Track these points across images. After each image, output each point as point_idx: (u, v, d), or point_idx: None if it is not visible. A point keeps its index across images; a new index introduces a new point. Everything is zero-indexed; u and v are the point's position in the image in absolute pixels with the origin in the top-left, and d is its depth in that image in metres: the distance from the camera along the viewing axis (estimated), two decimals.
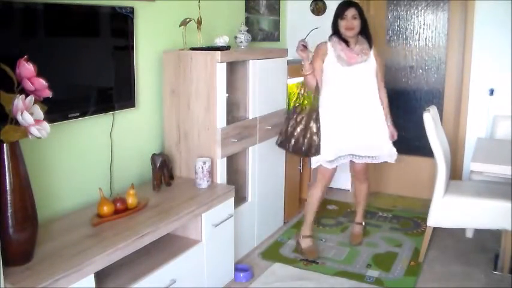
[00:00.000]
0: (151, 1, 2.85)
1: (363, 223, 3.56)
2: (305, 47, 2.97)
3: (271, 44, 4.35)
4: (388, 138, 3.21)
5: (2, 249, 1.69)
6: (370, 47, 3.12)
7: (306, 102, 3.16)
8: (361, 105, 3.11)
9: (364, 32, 3.11)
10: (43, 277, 1.74)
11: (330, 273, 3.04)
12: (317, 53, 3.10)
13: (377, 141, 3.19)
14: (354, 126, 3.11)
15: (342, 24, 3.04)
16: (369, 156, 3.21)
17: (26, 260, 1.85)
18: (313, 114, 3.05)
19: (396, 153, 3.25)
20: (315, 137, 3.04)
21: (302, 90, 3.16)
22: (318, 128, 3.04)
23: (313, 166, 3.21)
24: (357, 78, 3.08)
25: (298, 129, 3.05)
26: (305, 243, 3.30)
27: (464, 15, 4.00)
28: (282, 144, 3.16)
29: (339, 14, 3.05)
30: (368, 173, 3.43)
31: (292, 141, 3.08)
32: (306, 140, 3.04)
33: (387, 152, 3.23)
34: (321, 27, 3.13)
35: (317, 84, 3.07)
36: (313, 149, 3.06)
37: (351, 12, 3.02)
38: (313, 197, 3.28)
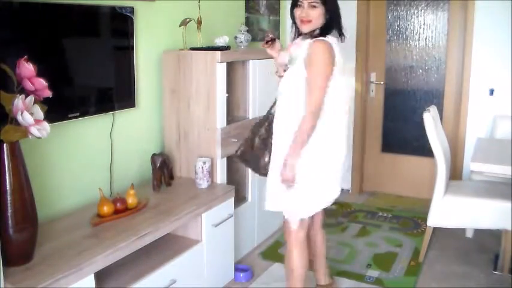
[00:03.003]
0: (151, 1, 2.85)
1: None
2: (273, 40, 2.31)
3: None
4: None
5: (2, 249, 1.69)
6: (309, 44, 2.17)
7: None
8: (278, 125, 2.34)
9: (328, 26, 2.21)
10: (43, 277, 1.74)
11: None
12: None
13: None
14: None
15: (296, 14, 2.21)
16: None
17: (26, 260, 1.85)
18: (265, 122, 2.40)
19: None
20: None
21: None
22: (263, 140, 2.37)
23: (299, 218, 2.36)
24: (282, 85, 2.34)
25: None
26: None
27: (464, 15, 4.00)
28: (242, 156, 2.49)
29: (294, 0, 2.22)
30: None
31: (257, 156, 2.41)
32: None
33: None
34: None
35: None
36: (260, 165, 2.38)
37: None
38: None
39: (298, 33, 2.30)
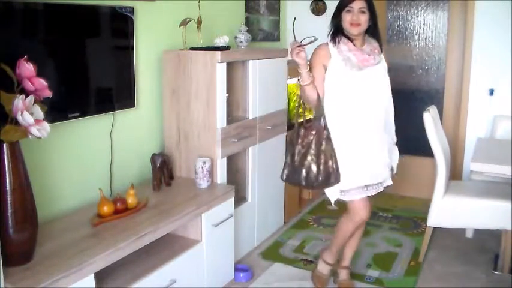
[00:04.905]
0: (151, 1, 2.85)
1: (350, 267, 2.92)
2: (301, 47, 2.40)
3: (271, 44, 4.35)
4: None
5: (2, 249, 1.68)
6: (381, 47, 2.57)
7: (307, 112, 2.65)
8: (378, 118, 2.56)
9: (373, 29, 2.52)
10: (43, 277, 1.74)
11: (330, 273, 3.04)
12: (317, 58, 2.50)
13: (388, 162, 2.65)
14: (371, 147, 2.53)
15: (346, 18, 2.43)
16: (380, 183, 2.61)
17: (26, 260, 1.85)
18: (323, 133, 2.46)
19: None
20: (330, 162, 2.45)
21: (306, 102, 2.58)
22: (332, 150, 2.46)
23: (332, 199, 2.57)
24: (370, 85, 2.50)
25: (309, 156, 2.46)
26: (322, 267, 2.89)
27: (464, 15, 4.01)
28: (289, 178, 2.55)
29: (343, 5, 2.45)
30: None
31: (303, 172, 2.47)
32: (321, 167, 2.44)
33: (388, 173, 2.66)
34: (319, 30, 2.66)
35: (319, 97, 2.48)
36: (333, 177, 2.46)
37: (358, 4, 2.41)
38: (342, 230, 2.71)
39: (341, 36, 2.49)
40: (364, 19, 2.43)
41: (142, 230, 2.19)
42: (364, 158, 2.51)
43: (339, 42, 2.48)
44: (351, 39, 2.49)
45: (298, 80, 2.48)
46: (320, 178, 2.46)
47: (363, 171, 2.52)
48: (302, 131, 2.50)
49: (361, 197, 2.54)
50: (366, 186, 2.53)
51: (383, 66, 2.57)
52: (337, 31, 2.50)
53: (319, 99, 2.48)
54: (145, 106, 2.91)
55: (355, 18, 2.41)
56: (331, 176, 2.46)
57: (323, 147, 2.45)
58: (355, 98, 2.49)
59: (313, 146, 2.46)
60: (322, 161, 2.45)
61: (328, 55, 2.48)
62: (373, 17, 2.48)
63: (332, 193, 2.55)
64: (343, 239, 2.74)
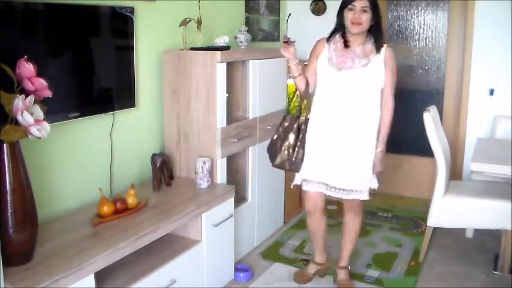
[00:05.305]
0: (151, 1, 2.85)
1: (349, 267, 2.92)
2: (288, 43, 2.47)
3: (271, 44, 4.35)
4: (370, 169, 2.59)
5: (2, 249, 1.69)
6: (377, 49, 2.52)
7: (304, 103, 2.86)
8: (349, 122, 2.55)
9: (375, 30, 2.51)
10: (43, 277, 1.74)
11: (330, 273, 3.04)
12: (313, 50, 2.63)
13: (358, 172, 2.58)
14: (334, 148, 2.57)
15: (348, 16, 2.45)
16: (343, 190, 2.59)
17: (26, 260, 1.85)
18: (295, 123, 2.63)
19: (374, 186, 2.62)
20: (290, 151, 2.61)
21: (298, 92, 2.74)
22: (296, 140, 2.61)
23: (293, 183, 2.74)
24: (348, 87, 2.52)
25: (279, 140, 2.65)
26: (309, 268, 3.00)
27: (464, 15, 4.01)
28: (268, 149, 2.75)
29: (346, 3, 2.46)
30: (361, 206, 2.79)
31: (272, 149, 2.70)
32: (280, 152, 2.64)
33: (363, 186, 2.59)
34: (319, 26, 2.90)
35: (307, 88, 2.61)
36: (287, 163, 2.64)
37: (360, 2, 2.41)
38: (308, 225, 2.89)
39: (336, 34, 2.56)
40: (365, 18, 2.44)
41: (142, 230, 2.19)
42: (325, 155, 2.59)
43: (331, 40, 2.56)
44: (346, 39, 2.53)
45: (289, 72, 2.66)
46: (276, 161, 2.67)
47: (322, 167, 2.61)
48: (289, 116, 2.69)
49: (315, 191, 2.66)
50: (325, 184, 2.62)
51: (372, 70, 2.53)
52: (338, 29, 2.56)
53: (307, 89, 2.62)
54: (145, 106, 2.91)
55: (357, 17, 2.43)
56: (285, 163, 2.65)
57: (289, 135, 2.63)
58: (331, 96, 2.58)
59: (283, 132, 2.66)
60: (283, 148, 2.64)
61: (321, 49, 2.60)
62: (376, 16, 2.48)
63: (296, 177, 2.72)
64: (308, 232, 2.93)
